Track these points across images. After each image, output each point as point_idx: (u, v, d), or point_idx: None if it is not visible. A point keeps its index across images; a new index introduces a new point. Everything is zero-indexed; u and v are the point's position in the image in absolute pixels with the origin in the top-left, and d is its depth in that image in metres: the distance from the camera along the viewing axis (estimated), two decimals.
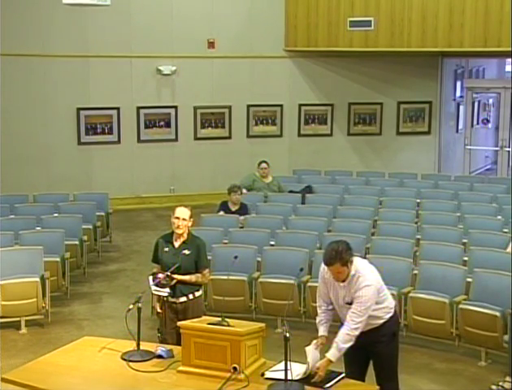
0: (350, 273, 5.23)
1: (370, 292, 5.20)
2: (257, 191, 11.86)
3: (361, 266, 5.29)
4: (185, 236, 6.32)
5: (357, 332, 5.16)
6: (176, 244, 6.33)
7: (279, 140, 15.55)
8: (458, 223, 10.08)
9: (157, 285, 6.11)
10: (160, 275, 6.14)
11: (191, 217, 6.33)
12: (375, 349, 5.41)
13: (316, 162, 15.02)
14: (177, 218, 6.24)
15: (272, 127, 15.52)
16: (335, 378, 4.93)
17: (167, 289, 6.13)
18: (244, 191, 11.38)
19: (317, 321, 5.49)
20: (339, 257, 5.15)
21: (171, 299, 6.25)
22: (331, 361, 5.07)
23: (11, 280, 8.12)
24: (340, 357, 5.18)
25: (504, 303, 7.19)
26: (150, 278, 6.20)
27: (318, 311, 5.52)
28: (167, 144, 14.96)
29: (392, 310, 5.48)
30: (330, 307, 5.47)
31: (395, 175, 13.44)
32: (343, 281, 5.26)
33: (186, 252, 6.28)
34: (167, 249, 6.34)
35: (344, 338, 5.14)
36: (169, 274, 6.11)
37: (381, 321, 5.38)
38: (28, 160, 14.09)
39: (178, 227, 6.25)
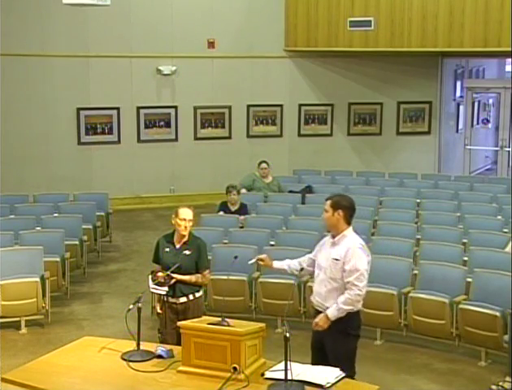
0: (344, 232, 5.43)
1: (362, 255, 5.39)
2: (257, 191, 11.86)
3: (355, 238, 5.48)
4: (186, 236, 6.32)
5: (358, 297, 5.34)
6: (177, 244, 6.32)
7: (279, 140, 15.55)
8: (458, 223, 10.08)
9: (156, 284, 6.12)
10: (160, 274, 6.15)
11: (193, 217, 6.34)
12: (323, 341, 5.49)
13: (316, 162, 15.02)
14: (183, 219, 6.22)
15: (272, 127, 15.52)
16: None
17: (165, 288, 6.13)
18: (243, 191, 11.38)
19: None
20: (335, 197, 5.51)
21: (171, 299, 6.26)
22: (328, 319, 5.34)
23: (11, 280, 8.12)
24: (337, 316, 5.36)
25: (504, 303, 7.19)
26: (150, 277, 6.22)
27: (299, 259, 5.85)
28: (167, 144, 14.96)
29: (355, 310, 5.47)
30: (307, 265, 5.75)
31: (395, 175, 13.45)
32: (333, 237, 5.49)
33: (187, 252, 6.27)
34: (167, 249, 6.33)
35: (345, 301, 5.34)
36: (169, 273, 6.12)
37: None
38: (28, 160, 14.09)
39: (185, 228, 6.24)
